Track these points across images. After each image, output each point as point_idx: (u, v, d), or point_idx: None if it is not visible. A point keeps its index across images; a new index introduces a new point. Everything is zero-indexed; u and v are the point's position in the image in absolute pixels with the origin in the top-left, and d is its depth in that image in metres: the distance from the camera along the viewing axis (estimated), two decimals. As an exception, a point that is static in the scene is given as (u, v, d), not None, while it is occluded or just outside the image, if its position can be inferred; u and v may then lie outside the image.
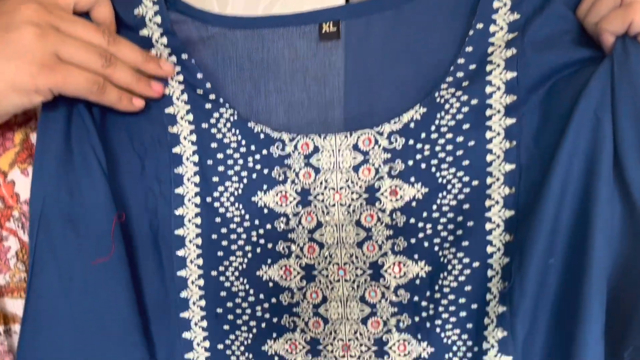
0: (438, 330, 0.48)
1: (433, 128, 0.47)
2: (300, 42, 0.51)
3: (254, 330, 0.52)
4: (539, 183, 0.44)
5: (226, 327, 0.52)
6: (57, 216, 0.46)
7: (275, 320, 0.51)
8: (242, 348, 0.52)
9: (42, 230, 0.46)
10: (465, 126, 0.46)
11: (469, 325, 0.47)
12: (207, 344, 0.52)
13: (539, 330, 0.44)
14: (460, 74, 0.47)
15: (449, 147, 0.47)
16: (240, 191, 0.50)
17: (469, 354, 0.47)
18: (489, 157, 0.46)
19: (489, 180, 0.46)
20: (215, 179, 0.50)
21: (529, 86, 0.45)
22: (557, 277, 0.43)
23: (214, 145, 0.50)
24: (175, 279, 0.51)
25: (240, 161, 0.50)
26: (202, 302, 0.51)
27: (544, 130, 0.45)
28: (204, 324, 0.52)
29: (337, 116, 0.50)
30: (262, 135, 0.49)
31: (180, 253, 0.51)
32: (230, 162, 0.50)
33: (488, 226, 0.46)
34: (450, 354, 0.48)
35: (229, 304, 0.51)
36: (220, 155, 0.50)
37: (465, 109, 0.46)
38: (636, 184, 0.41)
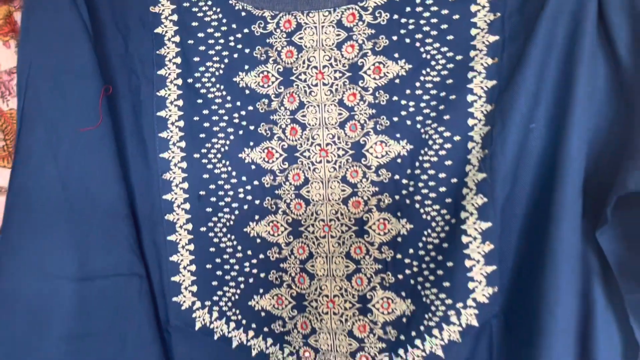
0: (417, 206, 0.47)
1: (418, 1, 0.46)
2: None
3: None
4: (522, 52, 0.43)
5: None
6: (44, 81, 0.46)
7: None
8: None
9: (30, 93, 0.46)
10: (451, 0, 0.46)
11: (448, 200, 0.46)
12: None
13: (519, 193, 0.43)
14: None
15: (434, 20, 0.46)
16: (221, 71, 0.50)
17: (447, 227, 0.46)
18: (473, 31, 0.45)
19: (472, 53, 0.45)
20: (196, 58, 0.50)
21: None
22: (538, 140, 0.42)
23: (194, 24, 0.50)
24: (158, 160, 0.51)
25: (222, 40, 0.49)
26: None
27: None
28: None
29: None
30: (243, 13, 0.49)
31: (162, 135, 0.51)
32: (211, 41, 0.50)
33: (470, 98, 0.45)
34: (429, 230, 0.46)
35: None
36: (201, 34, 0.50)
37: None
38: (621, 41, 0.40)
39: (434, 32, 0.46)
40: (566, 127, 0.41)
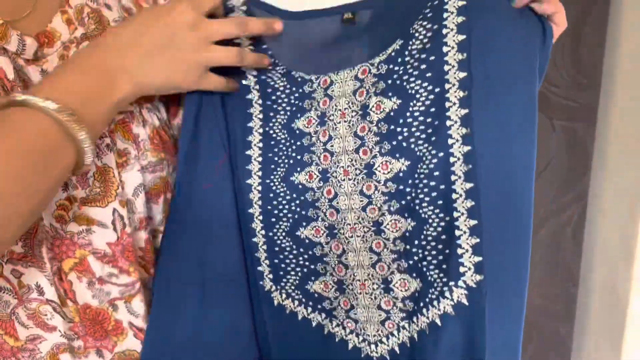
0: (417, 207, 0.60)
1: (406, 53, 0.60)
2: (329, 26, 0.68)
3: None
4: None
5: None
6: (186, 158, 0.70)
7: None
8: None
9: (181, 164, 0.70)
10: (428, 45, 0.59)
11: (440, 202, 0.58)
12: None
13: (499, 196, 0.58)
14: (426, 10, 0.59)
15: (416, 64, 0.60)
16: (285, 120, 0.69)
17: (442, 224, 0.59)
18: (445, 67, 0.58)
19: (446, 86, 0.58)
20: (271, 114, 0.70)
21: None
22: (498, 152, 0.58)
23: (269, 90, 0.70)
24: (244, 185, 0.70)
25: (286, 99, 0.69)
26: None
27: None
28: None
29: (348, 59, 0.66)
30: (299, 78, 0.68)
31: (248, 167, 0.70)
32: (280, 101, 0.69)
33: (448, 123, 0.58)
34: (427, 226, 0.59)
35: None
36: (274, 97, 0.70)
37: (429, 34, 0.59)
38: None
39: (416, 72, 0.60)
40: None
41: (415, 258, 0.61)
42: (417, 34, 0.60)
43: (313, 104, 0.67)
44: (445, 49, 0.58)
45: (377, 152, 0.62)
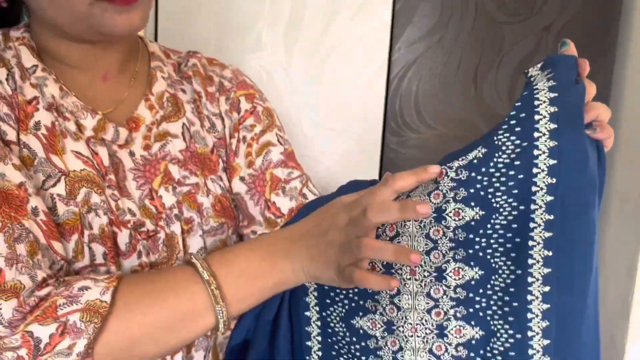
0: (487, 318, 0.62)
1: (492, 164, 0.60)
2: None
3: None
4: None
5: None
6: None
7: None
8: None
9: None
10: (517, 162, 0.60)
11: (511, 319, 0.61)
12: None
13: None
14: (513, 121, 0.60)
15: (503, 179, 0.60)
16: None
17: (511, 340, 0.62)
18: (533, 188, 0.60)
19: (532, 206, 0.60)
20: (328, 301, 0.70)
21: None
22: None
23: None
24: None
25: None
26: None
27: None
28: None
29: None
30: None
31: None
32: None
33: (530, 243, 0.60)
34: (494, 339, 0.62)
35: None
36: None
37: (517, 150, 0.59)
38: None
39: (502, 188, 0.60)
40: None
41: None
42: (504, 147, 0.60)
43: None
44: (535, 170, 0.59)
45: (450, 258, 0.62)
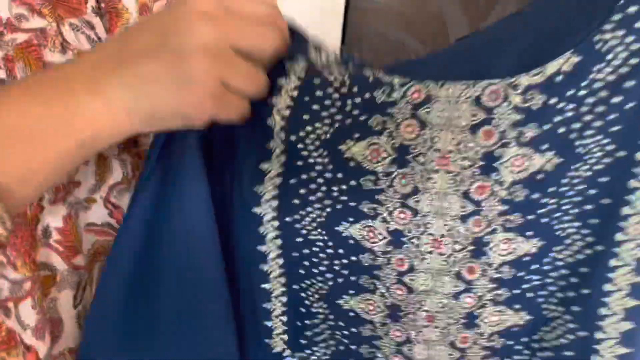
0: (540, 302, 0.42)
1: (585, 83, 0.35)
2: None
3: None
4: None
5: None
6: None
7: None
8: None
9: None
10: (629, 83, 0.35)
11: (576, 309, 0.42)
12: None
13: None
14: (633, 9, 0.34)
15: (600, 109, 0.36)
16: (328, 136, 0.39)
17: (570, 336, 0.43)
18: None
19: (638, 155, 0.37)
20: (306, 116, 0.40)
21: None
22: None
23: (316, 81, 0.39)
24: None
25: (338, 103, 0.39)
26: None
27: None
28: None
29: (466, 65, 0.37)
30: (370, 78, 0.37)
31: (256, 189, 0.42)
32: (327, 102, 0.39)
33: (625, 212, 0.38)
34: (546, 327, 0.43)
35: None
36: (319, 93, 0.39)
37: (634, 60, 0.35)
38: None
39: (597, 123, 0.36)
40: None
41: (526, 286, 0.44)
42: (610, 55, 0.35)
43: (388, 124, 0.38)
44: (659, 97, 0.36)
45: (498, 226, 0.40)
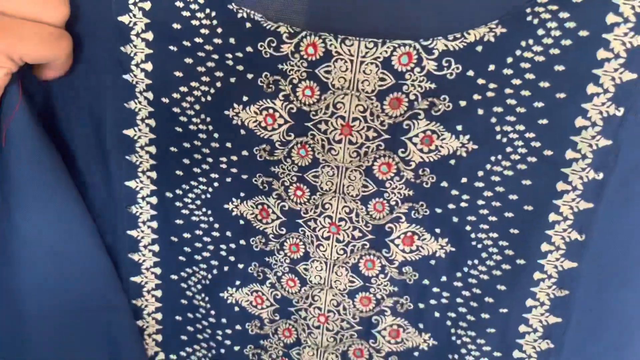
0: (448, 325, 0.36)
1: (510, 60, 0.31)
2: None
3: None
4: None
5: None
6: None
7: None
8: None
9: None
10: (559, 67, 0.30)
11: (490, 330, 0.35)
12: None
13: None
14: None
15: (525, 93, 0.31)
16: (209, 97, 0.35)
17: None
18: (578, 122, 0.31)
19: (568, 155, 0.32)
20: (178, 73, 0.35)
21: None
22: None
23: (177, 25, 0.34)
24: (123, 188, 0.39)
25: (215, 56, 0.34)
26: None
27: None
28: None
29: (377, 20, 0.34)
30: (248, 24, 0.33)
31: (130, 158, 0.38)
32: (200, 54, 0.34)
33: (552, 218, 0.33)
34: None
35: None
36: (187, 43, 0.34)
37: (566, 41, 0.30)
38: None
39: (520, 109, 0.32)
40: None
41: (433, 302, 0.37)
42: (541, 30, 0.31)
43: (280, 85, 0.35)
44: (591, 88, 0.31)
45: (401, 214, 0.35)
